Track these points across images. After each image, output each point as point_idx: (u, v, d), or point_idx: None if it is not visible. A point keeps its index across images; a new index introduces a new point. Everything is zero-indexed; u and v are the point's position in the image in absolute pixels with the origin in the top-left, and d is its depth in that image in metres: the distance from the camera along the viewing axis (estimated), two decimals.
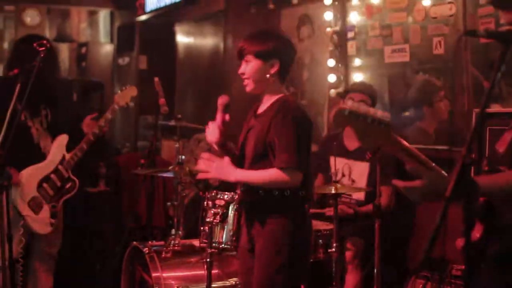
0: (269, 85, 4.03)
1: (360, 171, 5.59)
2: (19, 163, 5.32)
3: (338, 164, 5.47)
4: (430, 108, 5.75)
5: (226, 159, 4.01)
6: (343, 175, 5.68)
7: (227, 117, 4.15)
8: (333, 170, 5.29)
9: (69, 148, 5.58)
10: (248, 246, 4.11)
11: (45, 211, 5.48)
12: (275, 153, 3.90)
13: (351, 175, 5.63)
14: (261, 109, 4.11)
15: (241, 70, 4.08)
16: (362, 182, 5.57)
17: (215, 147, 4.18)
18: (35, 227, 5.42)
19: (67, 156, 5.55)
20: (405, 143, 2.68)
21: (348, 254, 5.36)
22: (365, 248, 5.38)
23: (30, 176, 5.41)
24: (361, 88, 5.70)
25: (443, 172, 2.65)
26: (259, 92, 4.09)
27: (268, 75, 3.99)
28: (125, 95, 5.75)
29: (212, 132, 4.16)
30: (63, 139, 5.57)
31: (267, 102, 4.08)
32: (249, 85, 4.07)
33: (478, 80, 5.18)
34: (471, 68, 5.23)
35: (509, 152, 2.74)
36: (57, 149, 5.55)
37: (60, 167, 5.53)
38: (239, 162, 4.05)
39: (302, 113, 3.98)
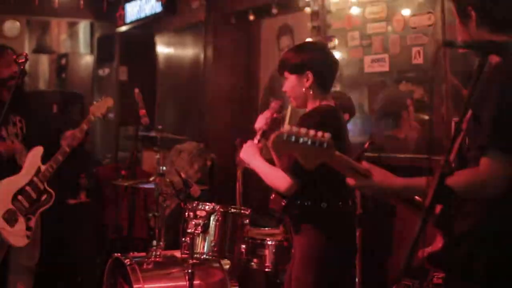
0: (309, 97, 3.94)
1: None
2: None
3: None
4: (398, 116, 5.81)
5: (253, 145, 4.04)
6: None
7: (277, 116, 4.15)
8: None
9: (47, 160, 5.55)
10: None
11: (21, 223, 5.43)
12: None
13: None
14: None
15: (283, 88, 4.03)
16: None
17: (258, 135, 4.16)
18: (10, 240, 5.35)
19: (43, 167, 5.51)
20: (350, 160, 2.72)
21: None
22: None
23: (4, 189, 5.36)
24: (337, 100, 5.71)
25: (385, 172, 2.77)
26: (304, 106, 4.01)
27: (304, 89, 3.92)
28: (101, 106, 5.71)
29: (260, 120, 4.18)
30: (38, 151, 5.54)
31: None
32: (292, 102, 4.03)
33: (458, 89, 5.21)
34: (450, 77, 5.26)
35: (456, 160, 2.76)
36: (32, 161, 5.51)
37: (35, 179, 5.49)
38: None
39: (323, 120, 3.81)
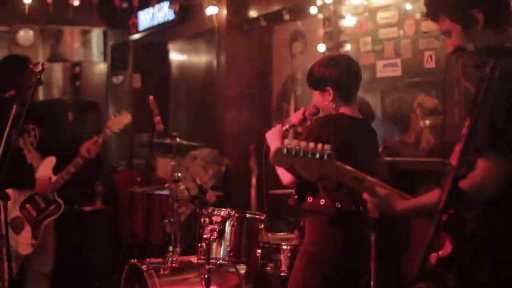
0: (333, 109, 4.03)
1: None
2: (14, 185, 5.32)
3: None
4: (404, 121, 5.84)
5: (279, 130, 4.15)
6: None
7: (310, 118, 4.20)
8: None
9: (61, 168, 5.58)
10: None
11: (27, 231, 5.46)
12: None
13: None
14: None
15: (314, 102, 4.16)
16: None
17: (287, 124, 4.22)
18: (15, 247, 5.31)
19: (53, 178, 5.55)
20: (353, 170, 2.75)
21: None
22: None
23: (13, 196, 5.28)
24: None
25: (395, 190, 2.75)
26: None
27: (327, 102, 4.03)
28: (119, 122, 5.73)
29: (296, 114, 4.25)
30: (50, 161, 5.58)
31: None
32: (321, 113, 4.14)
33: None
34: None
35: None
36: (44, 170, 5.56)
37: (48, 179, 5.54)
38: None
39: (314, 128, 3.96)
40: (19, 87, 4.72)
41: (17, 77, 5.27)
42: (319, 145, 2.56)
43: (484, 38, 2.80)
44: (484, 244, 2.70)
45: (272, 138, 4.15)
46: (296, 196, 4.04)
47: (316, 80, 4.04)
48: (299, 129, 4.31)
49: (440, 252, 2.85)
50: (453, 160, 2.88)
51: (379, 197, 2.83)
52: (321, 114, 4.15)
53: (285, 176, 3.97)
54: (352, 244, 3.96)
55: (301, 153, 2.54)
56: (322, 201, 3.90)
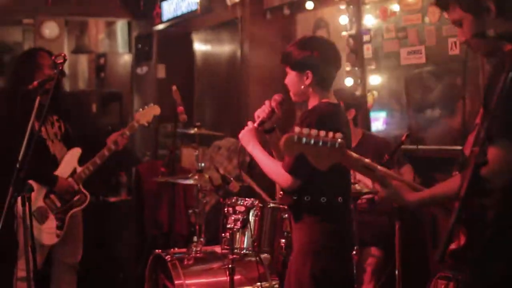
0: (309, 95, 3.93)
1: None
2: (37, 177, 5.34)
3: None
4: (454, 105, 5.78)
5: (253, 129, 4.02)
6: None
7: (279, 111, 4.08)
8: None
9: (86, 159, 5.59)
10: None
11: (51, 221, 5.46)
12: None
13: (355, 175, 5.52)
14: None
15: (285, 80, 4.02)
16: (367, 180, 5.45)
17: (257, 122, 4.08)
18: (39, 237, 5.25)
19: (79, 169, 5.56)
20: (363, 159, 2.72)
21: (367, 264, 5.34)
22: (383, 259, 5.37)
23: (37, 187, 5.30)
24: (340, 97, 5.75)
25: (407, 180, 2.74)
26: (302, 101, 4.04)
27: (303, 86, 3.90)
28: (146, 114, 5.75)
29: (262, 109, 4.11)
30: (75, 152, 5.59)
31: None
32: (292, 96, 4.02)
33: None
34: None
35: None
36: (68, 162, 5.56)
37: (70, 179, 5.56)
38: None
39: (322, 119, 3.77)
40: (41, 79, 4.74)
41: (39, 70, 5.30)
42: (330, 133, 2.53)
43: (497, 26, 2.77)
44: (501, 234, 2.67)
45: (248, 139, 4.00)
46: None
47: (296, 61, 3.89)
48: (268, 125, 4.13)
49: (453, 245, 2.82)
50: (466, 149, 2.85)
51: (389, 188, 2.80)
52: (293, 98, 4.01)
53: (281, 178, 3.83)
54: (345, 236, 3.91)
55: (312, 141, 2.52)
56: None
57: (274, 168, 3.86)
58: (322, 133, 2.52)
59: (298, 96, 3.97)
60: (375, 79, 6.42)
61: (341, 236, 3.87)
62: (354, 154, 2.70)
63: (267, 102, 4.11)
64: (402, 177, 2.78)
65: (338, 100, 3.98)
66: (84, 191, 5.61)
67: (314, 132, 2.52)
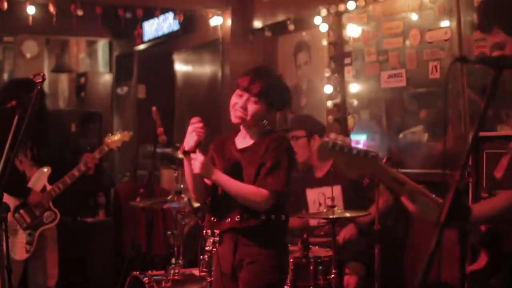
0: (259, 119, 4.06)
1: (335, 195, 5.39)
2: (11, 186, 5.27)
3: (312, 195, 5.53)
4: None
5: (207, 159, 4.01)
6: (320, 204, 5.64)
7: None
8: (310, 202, 5.56)
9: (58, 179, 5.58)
10: (230, 272, 4.07)
11: (20, 235, 5.47)
12: (261, 173, 3.91)
13: (327, 201, 5.50)
14: (243, 144, 4.11)
15: (239, 103, 4.06)
16: (339, 204, 5.44)
17: (198, 150, 4.05)
18: (10, 251, 5.19)
19: (48, 187, 5.56)
20: (394, 172, 2.71)
21: (348, 279, 5.32)
22: (365, 273, 5.35)
23: (7, 201, 5.27)
24: (299, 125, 5.79)
25: (435, 198, 2.68)
26: (247, 124, 4.10)
27: (265, 121, 4.07)
28: (116, 140, 5.84)
29: (191, 137, 4.14)
30: (45, 170, 5.60)
31: (252, 138, 4.10)
32: (242, 116, 4.06)
33: (476, 104, 5.18)
34: (468, 92, 5.23)
35: (507, 177, 2.75)
36: (37, 179, 5.57)
37: (42, 194, 5.54)
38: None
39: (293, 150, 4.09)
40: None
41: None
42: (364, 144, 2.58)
43: None
44: None
45: (207, 168, 3.96)
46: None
47: (257, 92, 3.97)
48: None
49: (473, 266, 2.81)
50: (498, 173, 2.84)
51: (417, 203, 2.76)
52: (247, 122, 4.05)
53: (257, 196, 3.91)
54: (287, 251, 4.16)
55: (346, 149, 2.54)
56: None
57: (250, 189, 3.90)
58: (356, 142, 2.54)
59: (251, 120, 4.07)
60: (355, 102, 6.42)
61: (287, 251, 4.14)
62: (388, 167, 2.70)
63: (190, 128, 4.19)
64: (432, 195, 2.73)
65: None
66: (54, 209, 5.61)
67: (348, 140, 2.54)
